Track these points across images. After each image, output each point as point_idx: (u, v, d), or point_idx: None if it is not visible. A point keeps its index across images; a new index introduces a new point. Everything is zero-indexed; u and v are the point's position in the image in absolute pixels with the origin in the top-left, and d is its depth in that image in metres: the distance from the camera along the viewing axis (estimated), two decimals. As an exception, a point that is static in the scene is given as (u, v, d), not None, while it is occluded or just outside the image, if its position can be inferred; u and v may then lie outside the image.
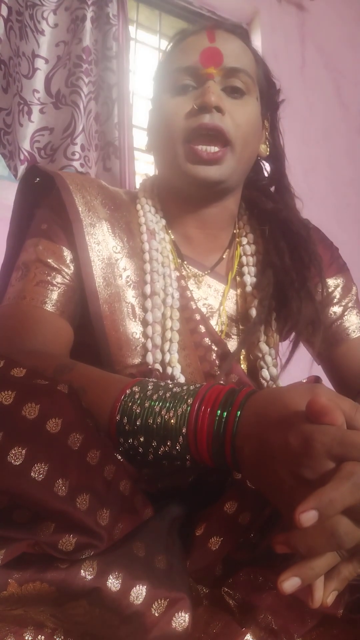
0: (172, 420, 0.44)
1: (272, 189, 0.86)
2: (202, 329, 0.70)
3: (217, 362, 0.69)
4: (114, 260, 0.71)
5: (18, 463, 0.36)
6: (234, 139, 0.69)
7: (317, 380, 0.57)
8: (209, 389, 0.45)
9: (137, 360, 0.67)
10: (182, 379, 0.65)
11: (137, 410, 0.46)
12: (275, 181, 0.85)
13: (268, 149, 0.83)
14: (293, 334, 0.77)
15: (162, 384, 0.47)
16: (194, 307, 0.72)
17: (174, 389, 0.47)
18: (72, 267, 0.70)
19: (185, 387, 0.46)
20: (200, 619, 0.43)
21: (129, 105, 1.67)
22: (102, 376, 0.54)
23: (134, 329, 0.68)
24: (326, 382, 0.74)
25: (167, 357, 0.67)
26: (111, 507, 0.40)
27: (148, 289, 0.70)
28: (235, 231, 0.82)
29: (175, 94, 0.72)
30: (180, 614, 0.38)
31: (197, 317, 0.71)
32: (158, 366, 0.66)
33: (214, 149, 0.68)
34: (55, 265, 0.69)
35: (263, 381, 0.71)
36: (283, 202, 0.82)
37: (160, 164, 0.78)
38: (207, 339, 0.70)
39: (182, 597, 0.39)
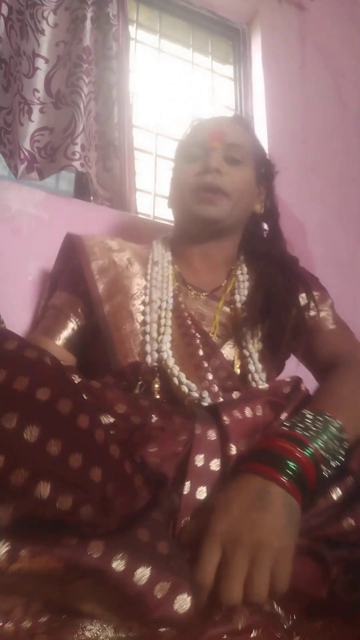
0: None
1: (267, 237, 1.12)
2: (189, 322, 0.90)
3: (200, 346, 0.87)
4: (115, 281, 0.96)
5: (11, 426, 0.39)
6: (230, 191, 0.95)
7: (298, 381, 0.75)
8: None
9: (137, 350, 0.87)
10: (171, 361, 0.83)
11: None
12: (271, 232, 1.11)
13: (262, 209, 1.09)
14: (285, 357, 1.00)
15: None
16: (183, 308, 0.93)
17: None
18: (80, 313, 0.97)
19: None
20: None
21: (129, 105, 1.67)
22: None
23: (133, 327, 0.90)
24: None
25: (161, 345, 0.85)
26: (102, 467, 0.44)
27: (147, 299, 0.92)
28: (233, 267, 1.05)
29: (188, 161, 1.00)
30: (182, 596, 0.40)
31: (186, 314, 0.91)
32: (155, 354, 0.85)
33: (214, 195, 0.94)
34: (68, 313, 0.97)
35: (249, 374, 0.88)
36: (275, 244, 1.08)
37: (176, 211, 1.07)
38: (193, 329, 0.89)
39: (184, 583, 0.42)
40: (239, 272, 1.02)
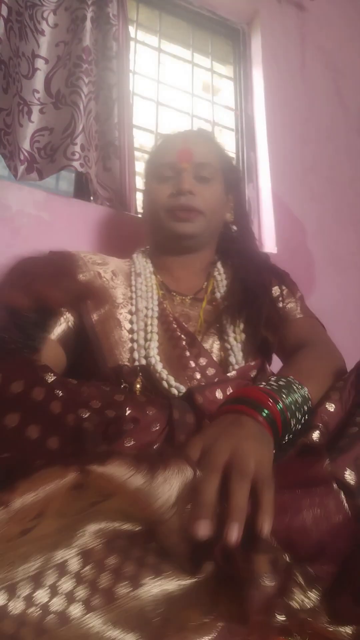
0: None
1: (239, 237, 1.19)
2: (174, 325, 0.95)
3: (186, 347, 0.91)
4: (102, 293, 0.96)
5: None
6: (203, 210, 1.02)
7: (263, 363, 0.89)
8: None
9: (126, 357, 0.90)
10: (159, 365, 0.87)
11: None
12: (242, 235, 1.18)
13: (232, 216, 1.16)
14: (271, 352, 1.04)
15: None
16: (168, 312, 0.97)
17: None
18: (74, 316, 0.96)
19: None
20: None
21: (129, 105, 1.67)
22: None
23: (121, 335, 0.94)
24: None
25: (149, 351, 0.89)
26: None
27: (134, 308, 0.97)
28: (210, 270, 1.10)
29: (160, 182, 1.05)
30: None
31: (170, 318, 0.96)
32: (143, 360, 0.88)
33: (188, 213, 1.01)
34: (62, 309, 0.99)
35: (230, 366, 0.91)
36: (247, 243, 1.16)
37: (151, 226, 1.12)
38: (178, 332, 0.94)
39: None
40: (216, 272, 1.08)
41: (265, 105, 2.06)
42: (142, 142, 1.92)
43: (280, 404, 0.63)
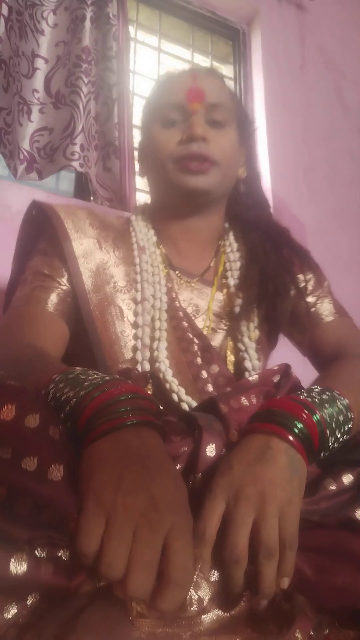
0: (69, 394, 0.50)
1: (251, 203, 0.99)
2: (185, 324, 0.82)
3: (198, 353, 0.80)
4: (102, 270, 0.83)
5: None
6: (218, 160, 0.83)
7: (287, 368, 0.70)
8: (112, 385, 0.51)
9: (128, 356, 0.78)
10: (168, 372, 0.75)
11: (52, 390, 0.52)
12: (254, 197, 0.99)
13: (245, 172, 0.96)
14: (278, 338, 0.92)
15: (82, 376, 0.53)
16: (177, 305, 0.83)
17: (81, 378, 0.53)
18: (65, 275, 0.82)
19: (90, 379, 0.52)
20: None
21: (129, 105, 1.67)
22: (56, 364, 0.62)
23: (123, 327, 0.80)
24: (299, 369, 0.78)
25: (156, 354, 0.76)
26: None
27: (139, 296, 0.81)
28: (220, 242, 0.94)
29: (165, 126, 0.85)
30: None
31: (181, 314, 0.82)
32: (146, 363, 0.76)
33: (201, 163, 0.81)
34: (50, 273, 0.81)
35: (246, 372, 0.81)
36: (263, 212, 0.97)
37: (153, 183, 0.92)
38: (189, 333, 0.81)
39: None
40: (228, 249, 0.92)
41: (265, 105, 2.06)
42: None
43: (317, 415, 0.54)
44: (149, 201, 0.99)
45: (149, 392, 0.74)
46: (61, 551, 0.41)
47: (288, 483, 0.49)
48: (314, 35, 2.32)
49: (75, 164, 1.47)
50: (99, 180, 1.59)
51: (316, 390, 0.61)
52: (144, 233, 0.89)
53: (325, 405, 0.57)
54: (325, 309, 0.92)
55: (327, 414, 0.56)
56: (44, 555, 0.40)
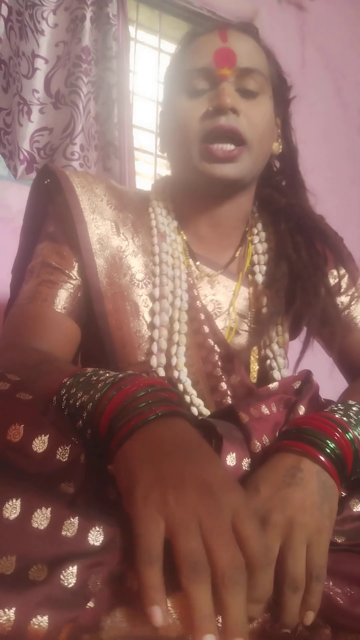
0: (83, 398, 0.46)
1: (284, 184, 0.87)
2: (206, 329, 0.72)
3: (219, 363, 0.70)
4: (118, 259, 0.73)
5: None
6: (249, 139, 0.70)
7: (308, 374, 0.64)
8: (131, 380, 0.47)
9: (141, 358, 0.69)
10: (187, 383, 0.68)
11: (64, 396, 0.49)
12: (289, 177, 0.86)
13: (280, 147, 0.83)
14: (301, 331, 0.81)
15: (94, 377, 0.49)
16: (199, 306, 0.74)
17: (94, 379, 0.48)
18: (76, 267, 0.73)
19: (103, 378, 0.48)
20: None
21: (129, 105, 1.67)
22: (64, 367, 0.57)
23: (138, 327, 0.71)
24: (323, 374, 0.75)
25: (174, 360, 0.68)
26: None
27: (157, 292, 0.72)
28: (247, 229, 0.82)
29: (190, 97, 0.72)
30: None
31: (202, 316, 0.73)
32: (161, 370, 0.68)
33: (229, 147, 0.69)
34: (58, 265, 0.72)
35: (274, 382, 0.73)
36: (297, 197, 0.84)
37: (175, 165, 0.79)
38: (210, 340, 0.72)
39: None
40: (255, 238, 0.81)
41: (265, 105, 2.06)
42: (142, 142, 1.92)
43: (351, 434, 0.50)
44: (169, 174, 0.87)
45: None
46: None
47: (318, 510, 0.45)
48: (314, 35, 2.32)
49: (75, 164, 1.47)
50: (99, 180, 1.59)
51: (349, 406, 0.56)
52: (164, 216, 0.78)
53: (357, 419, 0.53)
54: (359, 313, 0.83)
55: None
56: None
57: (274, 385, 0.63)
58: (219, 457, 0.47)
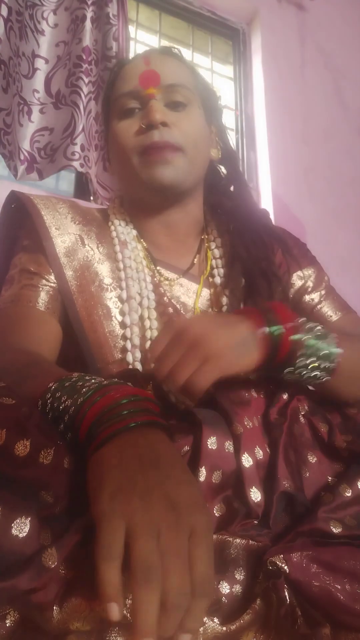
0: (67, 402, 0.48)
1: (230, 188, 0.93)
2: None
3: None
4: (86, 268, 0.79)
5: None
6: (183, 146, 0.77)
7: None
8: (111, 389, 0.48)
9: (117, 357, 0.74)
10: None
11: (49, 400, 0.50)
12: (232, 180, 0.92)
13: (220, 152, 0.89)
14: None
15: (80, 382, 0.50)
16: (166, 301, 0.79)
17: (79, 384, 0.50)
18: (52, 272, 0.78)
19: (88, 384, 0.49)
20: None
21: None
22: (52, 370, 0.59)
23: (111, 328, 0.76)
24: None
25: (150, 355, 0.73)
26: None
27: (124, 294, 0.77)
28: (203, 237, 0.88)
29: (123, 117, 0.79)
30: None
31: (170, 310, 0.78)
32: (138, 364, 0.73)
33: (163, 151, 0.76)
34: (37, 271, 0.77)
35: None
36: (241, 198, 0.90)
37: (122, 180, 0.86)
38: None
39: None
40: (212, 244, 0.87)
41: (265, 105, 2.06)
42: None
43: (300, 336, 0.58)
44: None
45: (150, 392, 0.68)
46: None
47: (231, 343, 0.55)
48: (314, 35, 2.32)
49: (76, 164, 1.47)
50: (99, 180, 1.59)
51: (320, 327, 0.63)
52: (122, 225, 0.84)
53: (317, 336, 0.60)
54: (330, 308, 0.88)
55: (311, 343, 0.59)
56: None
57: (253, 376, 0.67)
58: (189, 470, 0.47)
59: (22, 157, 1.49)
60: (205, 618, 0.41)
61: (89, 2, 1.62)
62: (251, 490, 0.51)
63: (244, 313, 0.60)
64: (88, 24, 1.60)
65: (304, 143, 2.11)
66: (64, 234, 0.80)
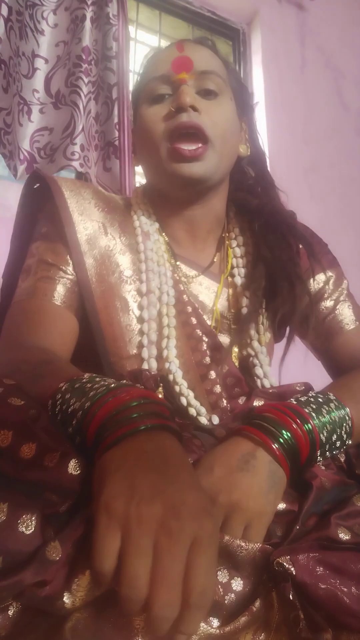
0: (75, 405, 0.47)
1: (256, 186, 0.90)
2: (194, 320, 0.75)
3: (207, 352, 0.74)
4: (107, 257, 0.76)
5: None
6: (212, 136, 0.73)
7: (309, 388, 0.65)
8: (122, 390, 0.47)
9: (132, 352, 0.71)
10: (178, 374, 0.69)
11: (59, 401, 0.49)
12: (259, 179, 0.89)
13: (248, 149, 0.86)
14: (287, 332, 0.83)
15: (89, 384, 0.49)
16: (185, 299, 0.76)
17: (88, 387, 0.49)
18: (70, 263, 0.75)
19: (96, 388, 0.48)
20: None
21: (129, 105, 1.67)
22: (64, 370, 0.57)
23: (128, 322, 0.73)
24: (320, 379, 0.76)
25: (165, 353, 0.70)
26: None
27: (144, 287, 0.74)
28: (224, 234, 0.86)
29: (153, 103, 0.77)
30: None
31: (189, 309, 0.76)
32: (153, 361, 0.70)
33: (194, 146, 0.72)
34: (54, 262, 0.74)
35: (257, 378, 0.75)
36: (268, 197, 0.87)
37: (147, 170, 0.83)
38: (199, 330, 0.75)
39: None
40: (233, 243, 0.84)
41: (265, 105, 2.06)
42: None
43: (310, 424, 0.53)
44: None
45: (160, 395, 0.68)
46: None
47: (264, 496, 0.49)
48: (314, 35, 2.32)
49: (76, 164, 1.47)
50: (99, 180, 1.59)
51: (314, 397, 0.59)
52: (146, 218, 0.82)
53: (323, 412, 0.56)
54: (346, 315, 0.84)
55: (322, 422, 0.55)
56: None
57: (273, 390, 0.67)
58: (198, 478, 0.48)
59: (21, 157, 1.49)
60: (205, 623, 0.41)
61: (89, 2, 1.62)
62: None
63: (246, 435, 0.53)
64: (88, 23, 1.60)
65: (304, 143, 2.11)
66: (86, 221, 0.77)
